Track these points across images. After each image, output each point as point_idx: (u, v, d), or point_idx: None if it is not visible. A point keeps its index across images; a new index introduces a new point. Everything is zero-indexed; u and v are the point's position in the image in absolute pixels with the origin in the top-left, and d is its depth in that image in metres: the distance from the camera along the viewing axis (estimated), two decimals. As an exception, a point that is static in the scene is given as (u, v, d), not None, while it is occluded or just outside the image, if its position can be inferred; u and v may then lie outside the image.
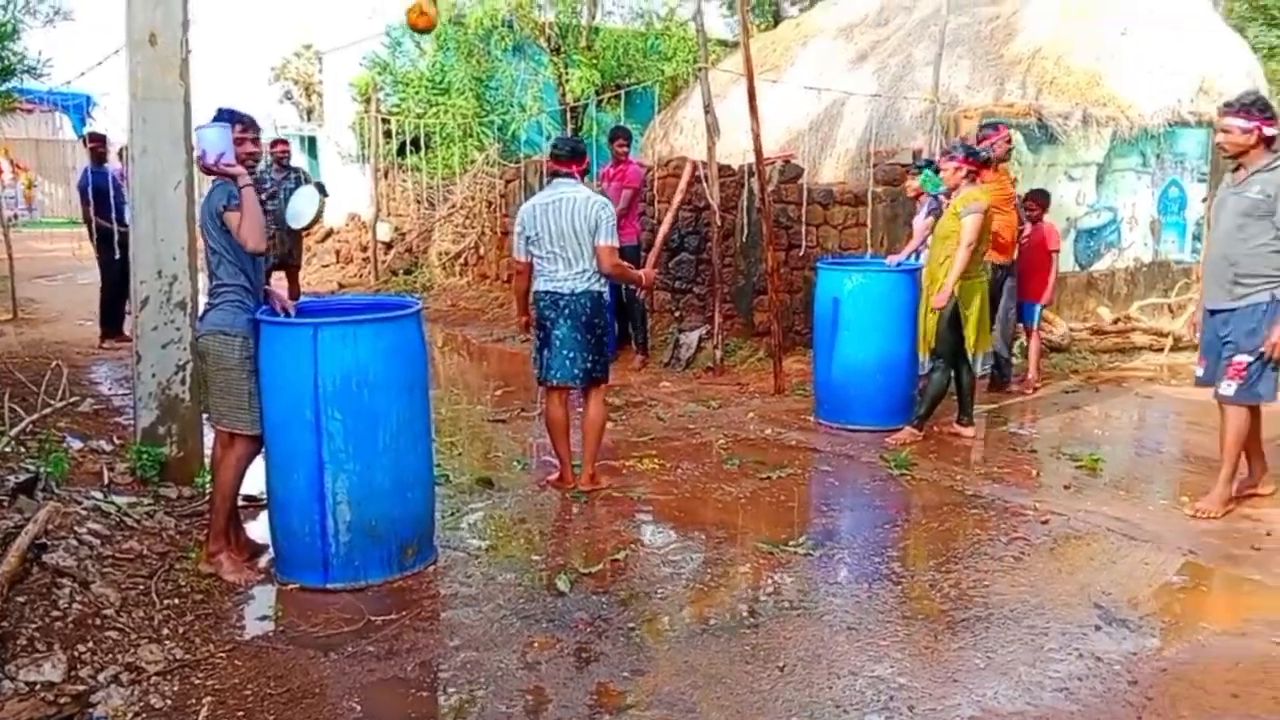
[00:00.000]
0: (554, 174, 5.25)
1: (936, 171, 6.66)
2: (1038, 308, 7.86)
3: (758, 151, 7.60)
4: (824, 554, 4.45)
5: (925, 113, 9.37)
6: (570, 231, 5.03)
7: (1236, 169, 4.80)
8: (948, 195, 6.35)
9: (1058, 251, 7.95)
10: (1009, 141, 7.45)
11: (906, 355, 6.37)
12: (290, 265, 9.49)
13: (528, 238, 5.15)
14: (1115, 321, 9.57)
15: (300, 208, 8.38)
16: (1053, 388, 7.78)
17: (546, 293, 5.14)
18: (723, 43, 16.78)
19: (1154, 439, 6.62)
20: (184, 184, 4.94)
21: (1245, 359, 4.71)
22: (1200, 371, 5.02)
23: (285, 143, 9.89)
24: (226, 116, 4.12)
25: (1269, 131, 4.65)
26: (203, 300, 4.39)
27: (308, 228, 9.22)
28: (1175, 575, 4.29)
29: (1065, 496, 5.20)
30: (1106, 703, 3.19)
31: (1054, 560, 4.40)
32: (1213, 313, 4.87)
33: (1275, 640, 3.59)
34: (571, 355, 5.11)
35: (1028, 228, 7.61)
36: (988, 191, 6.15)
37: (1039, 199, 7.97)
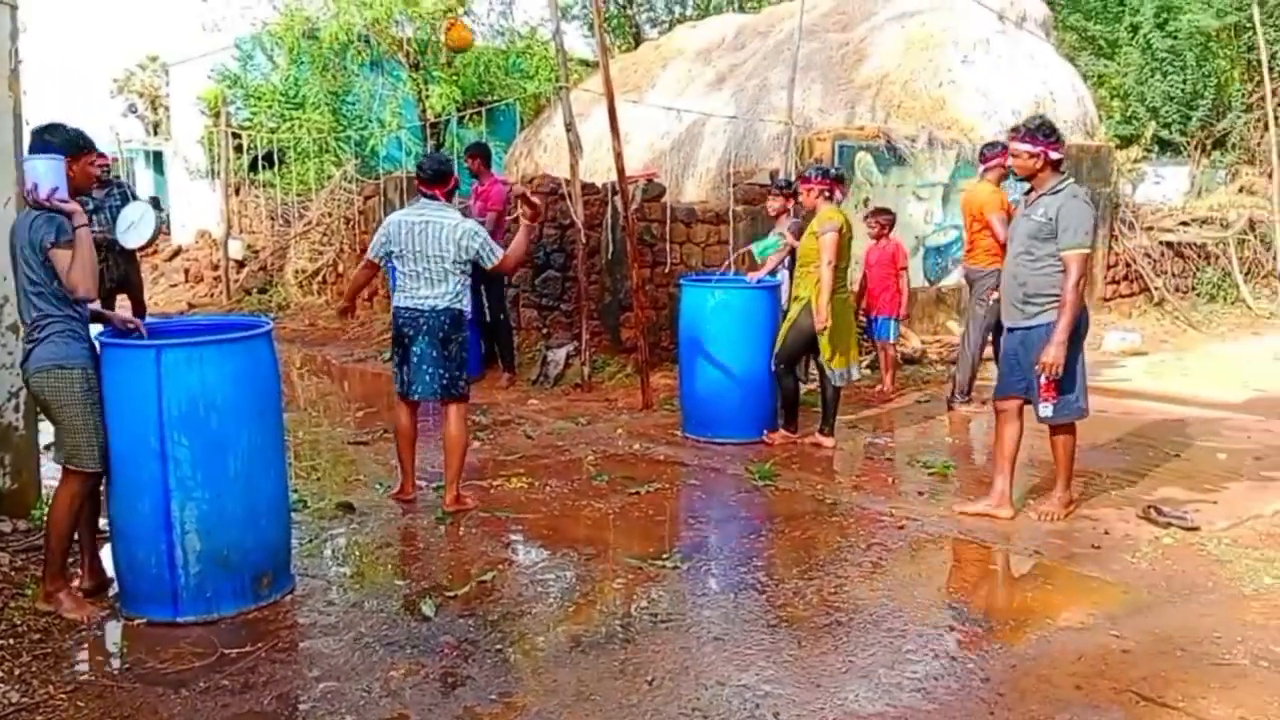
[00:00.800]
0: (420, 194, 5.20)
1: (795, 195, 6.94)
2: (890, 322, 8.15)
3: (620, 170, 7.67)
4: (692, 566, 4.49)
5: (781, 134, 9.65)
6: (435, 255, 4.99)
7: (1028, 192, 4.97)
8: (795, 238, 6.75)
9: (905, 268, 8.28)
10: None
11: (767, 369, 6.51)
12: (131, 286, 8.83)
13: (389, 250, 5.09)
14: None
15: (135, 225, 7.99)
16: (907, 399, 8.08)
17: (406, 309, 5.09)
18: (584, 62, 16.88)
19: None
20: (14, 201, 4.64)
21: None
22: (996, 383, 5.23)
23: (103, 155, 9.31)
24: (62, 144, 3.82)
25: (1054, 155, 4.78)
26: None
27: (144, 247, 8.79)
28: (1023, 575, 4.51)
29: (920, 502, 5.40)
30: (961, 700, 3.31)
31: (911, 564, 4.56)
32: (1010, 330, 5.02)
33: (1114, 633, 3.80)
34: (431, 371, 5.07)
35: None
36: (841, 211, 6.37)
37: (882, 217, 8.34)
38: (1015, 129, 4.95)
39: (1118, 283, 12.07)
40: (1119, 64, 17.30)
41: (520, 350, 9.08)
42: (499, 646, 3.69)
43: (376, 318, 11.47)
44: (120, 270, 8.47)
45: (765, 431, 6.60)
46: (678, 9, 21.15)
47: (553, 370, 8.70)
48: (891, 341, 8.27)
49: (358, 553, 4.74)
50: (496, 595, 4.17)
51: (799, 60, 9.60)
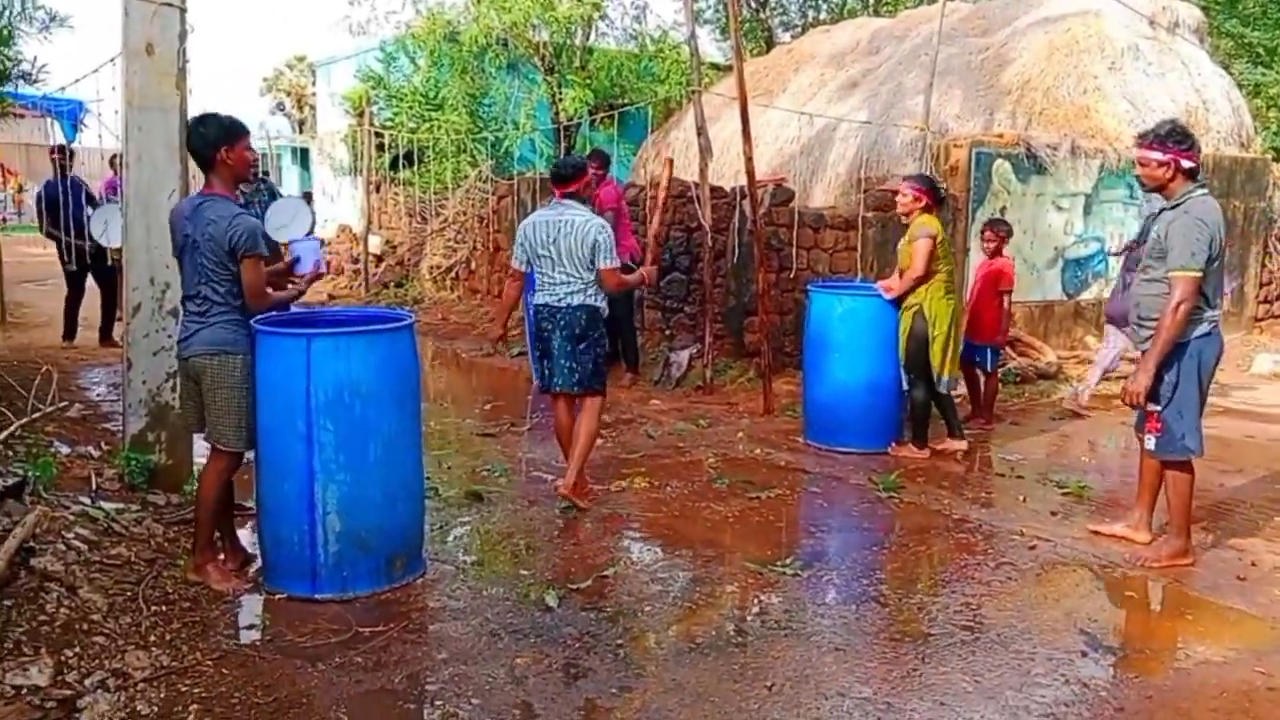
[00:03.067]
0: (554, 194, 5.37)
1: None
2: (988, 349, 7.23)
3: (750, 174, 7.66)
4: (812, 575, 4.46)
5: (915, 140, 9.47)
6: (568, 250, 5.15)
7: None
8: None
9: (1009, 291, 7.22)
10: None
11: (894, 378, 6.41)
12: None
13: (528, 251, 5.26)
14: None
15: (288, 224, 8.33)
16: (1040, 415, 7.82)
17: (545, 305, 5.26)
18: (715, 66, 16.89)
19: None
20: (178, 193, 4.93)
21: (1155, 408, 4.47)
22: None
23: (253, 151, 9.58)
24: (218, 132, 4.05)
25: (1186, 163, 4.36)
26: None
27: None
28: (1161, 603, 4.32)
29: (1052, 523, 5.23)
30: (1092, 727, 3.21)
31: (1041, 586, 4.42)
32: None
33: (1259, 669, 3.61)
34: (569, 365, 5.24)
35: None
36: (938, 219, 6.26)
37: (999, 229, 7.34)
38: (1143, 135, 4.51)
39: (1270, 302, 11.44)
40: (1278, 72, 16.35)
41: (643, 350, 9.16)
42: (619, 641, 3.74)
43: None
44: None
45: (891, 443, 6.49)
46: (811, 13, 20.98)
47: (675, 371, 8.75)
48: (990, 371, 7.36)
49: (484, 541, 4.87)
50: (617, 591, 4.23)
51: (936, 65, 9.40)
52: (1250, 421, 7.66)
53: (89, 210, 9.31)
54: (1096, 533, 4.98)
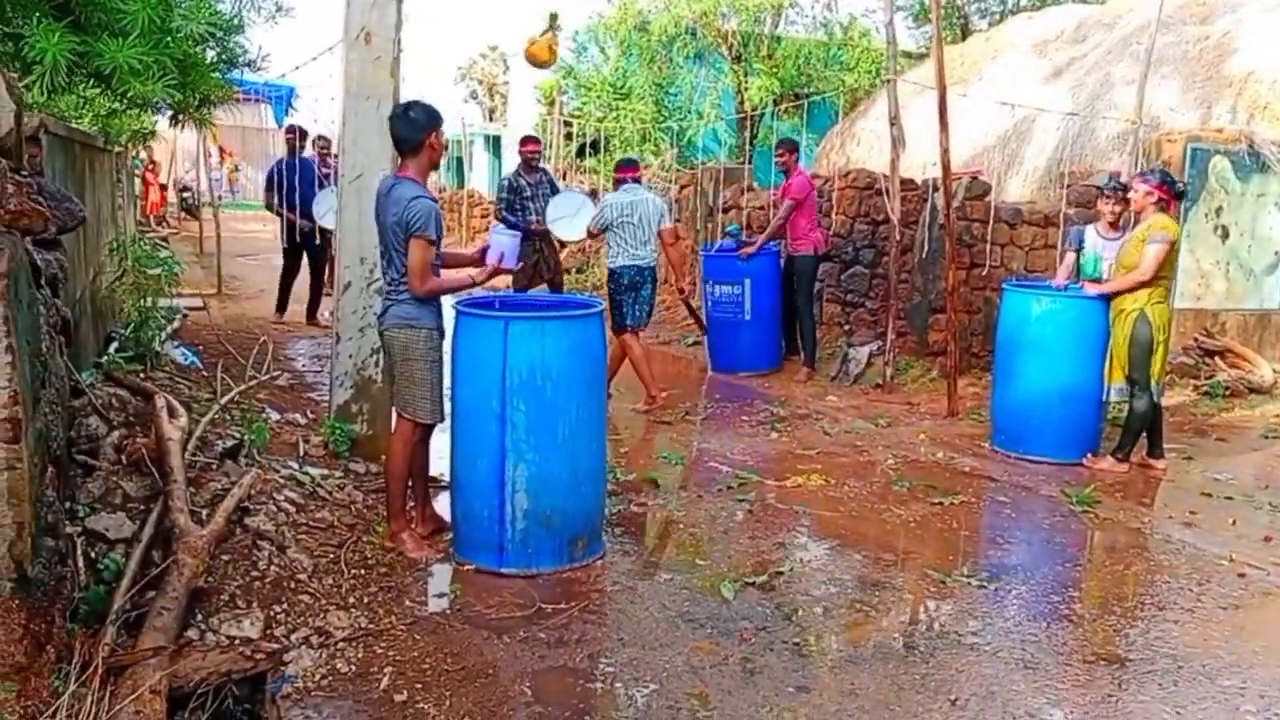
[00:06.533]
0: (622, 180, 7.28)
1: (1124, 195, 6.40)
2: None
3: (945, 166, 7.40)
4: (998, 587, 4.29)
5: (1124, 134, 8.94)
6: (647, 221, 7.05)
7: None
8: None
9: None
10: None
11: (1094, 385, 6.08)
12: (555, 274, 8.90)
13: (607, 225, 7.09)
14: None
15: (570, 214, 8.59)
16: (1250, 432, 7.27)
17: (632, 265, 7.07)
18: (907, 54, 16.41)
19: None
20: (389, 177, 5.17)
21: None
22: None
23: (536, 141, 9.27)
24: (428, 118, 4.18)
25: None
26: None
27: (577, 242, 9.42)
28: (1393, 646, 3.94)
29: (1265, 549, 4.85)
30: (1313, 776, 2.96)
31: (1250, 616, 4.11)
32: None
33: None
34: (647, 308, 7.26)
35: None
36: (1175, 221, 5.85)
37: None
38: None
39: None
40: None
41: (820, 345, 9.03)
42: (796, 640, 3.70)
43: (680, 304, 11.80)
44: (543, 256, 8.56)
45: (1087, 454, 6.16)
46: (1010, 0, 20.08)
47: (854, 368, 8.59)
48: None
49: (660, 528, 4.91)
50: (793, 588, 4.19)
51: (1151, 54, 8.82)
52: None
53: (316, 191, 9.70)
54: None
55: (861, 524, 5.05)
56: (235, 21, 5.71)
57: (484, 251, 4.42)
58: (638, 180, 7.37)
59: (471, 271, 4.45)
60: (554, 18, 12.85)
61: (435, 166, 4.47)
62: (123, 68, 4.45)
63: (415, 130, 4.18)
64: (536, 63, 12.94)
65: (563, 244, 8.78)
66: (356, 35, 5.13)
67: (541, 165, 9.15)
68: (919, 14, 18.33)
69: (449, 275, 4.40)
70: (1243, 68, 9.94)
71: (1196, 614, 4.08)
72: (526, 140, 9.15)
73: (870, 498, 5.46)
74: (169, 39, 4.74)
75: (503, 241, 4.38)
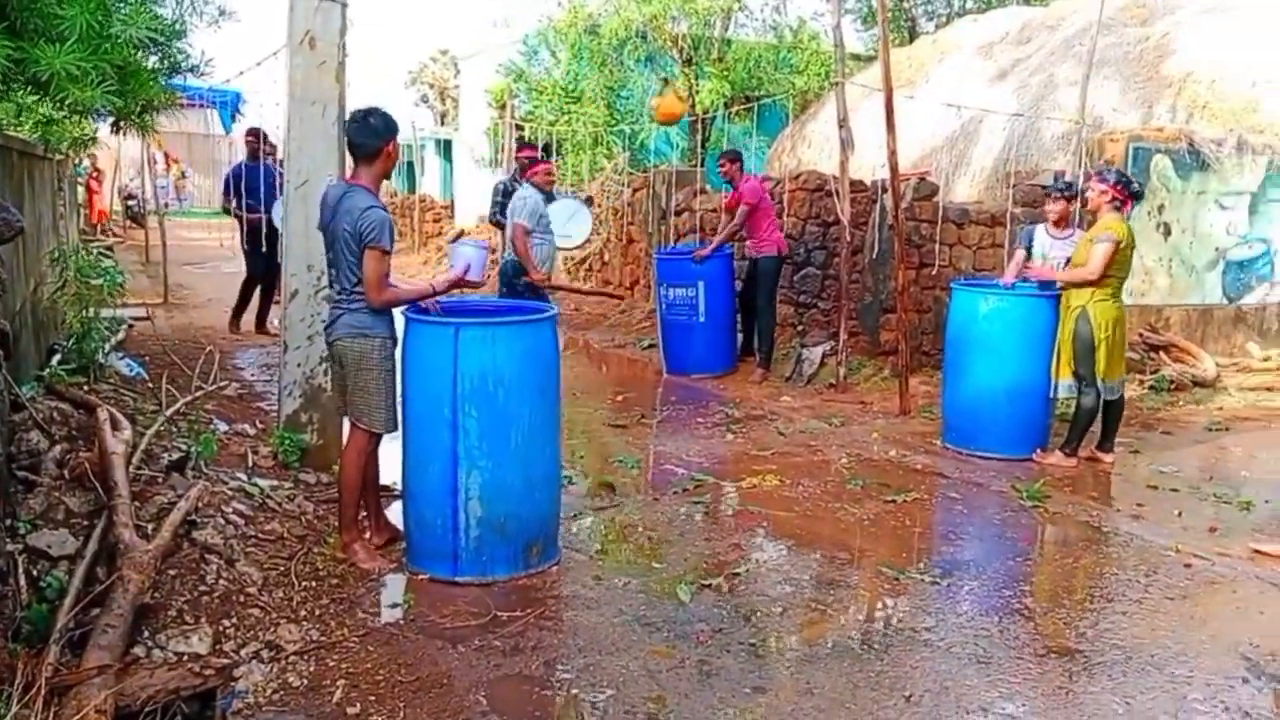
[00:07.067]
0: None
1: (1074, 199, 6.58)
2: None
3: (893, 168, 7.47)
4: (951, 583, 4.33)
5: (1068, 134, 9.09)
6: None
7: None
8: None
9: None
10: None
11: (1041, 381, 6.17)
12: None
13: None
14: (1266, 359, 9.09)
15: (563, 221, 8.59)
16: (1195, 425, 7.42)
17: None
18: (856, 57, 16.57)
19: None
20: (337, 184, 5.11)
21: None
22: None
23: (533, 147, 9.30)
24: (385, 126, 4.13)
25: None
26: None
27: (580, 246, 9.38)
28: (1332, 631, 4.04)
29: (1210, 539, 4.95)
30: (1257, 761, 3.02)
31: (1197, 606, 4.19)
32: None
33: None
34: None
35: None
36: (1126, 224, 5.96)
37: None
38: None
39: None
40: None
41: (774, 346, 9.08)
42: (752, 641, 3.71)
43: (636, 306, 11.82)
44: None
45: (1036, 450, 6.26)
46: (957, 2, 20.36)
47: (807, 368, 8.65)
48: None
49: (617, 532, 4.90)
50: (749, 589, 4.20)
51: (1093, 55, 8.98)
52: None
53: (279, 194, 9.48)
54: (1260, 552, 4.69)
55: (816, 523, 5.08)
56: (177, 27, 5.63)
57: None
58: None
59: (434, 280, 4.42)
60: (666, 82, 14.11)
61: (388, 175, 4.42)
62: (59, 74, 4.35)
63: (373, 137, 4.13)
64: (673, 118, 13.41)
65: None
66: (301, 40, 5.06)
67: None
68: (867, 17, 18.52)
69: (407, 286, 4.36)
70: (1181, 68, 10.17)
71: (1144, 605, 4.15)
72: (523, 146, 9.25)
73: (825, 497, 5.50)
74: (108, 45, 4.64)
75: (467, 253, 4.33)
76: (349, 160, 4.51)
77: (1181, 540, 4.89)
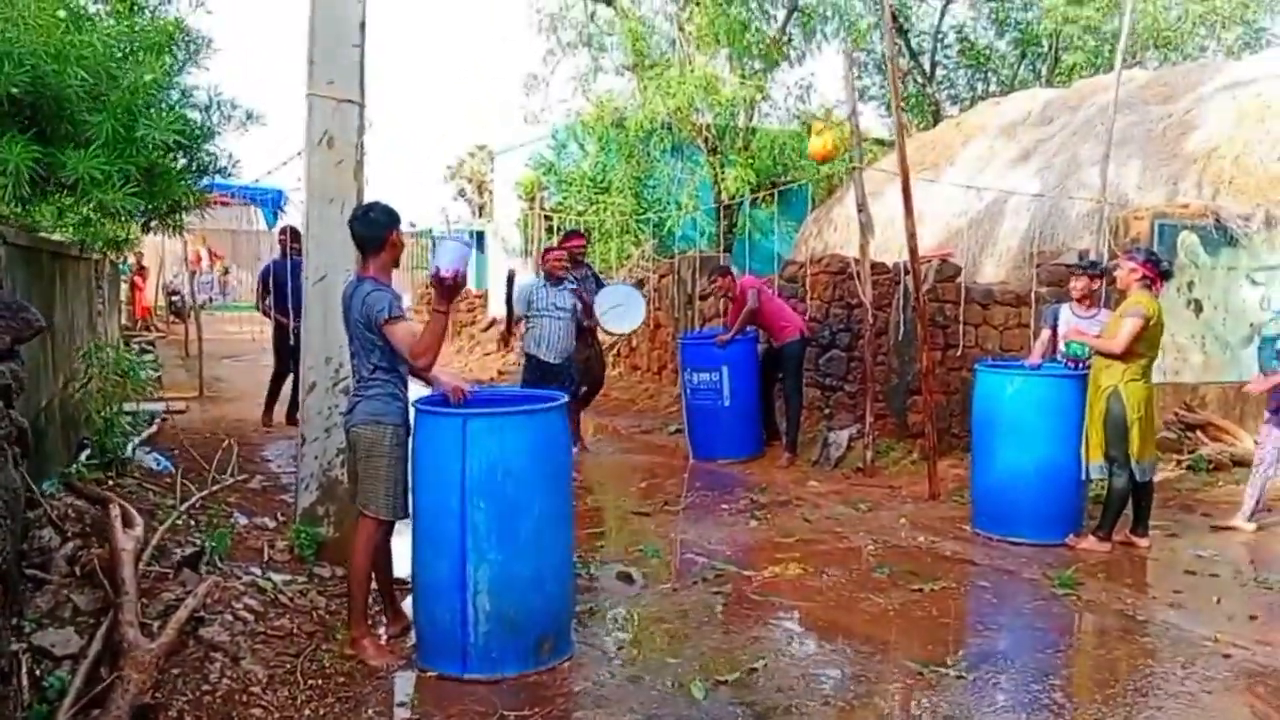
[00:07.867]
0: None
1: (1101, 277, 6.54)
2: None
3: (912, 250, 7.47)
4: (979, 677, 4.17)
5: (1092, 213, 9.05)
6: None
7: None
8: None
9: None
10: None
11: (1072, 463, 6.03)
12: (594, 373, 9.19)
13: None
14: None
15: (621, 309, 8.82)
16: (1237, 506, 7.17)
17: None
18: (880, 141, 16.76)
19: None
20: (353, 275, 5.18)
21: None
22: None
23: (580, 235, 9.52)
24: (387, 217, 4.18)
25: None
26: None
27: (635, 331, 9.70)
28: (1384, 726, 3.83)
29: (1250, 628, 4.75)
30: None
31: (1237, 698, 4.00)
32: None
33: None
34: None
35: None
36: (1156, 301, 5.88)
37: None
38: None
39: None
40: None
41: (802, 430, 8.99)
42: (768, 740, 3.58)
43: (664, 390, 11.81)
44: (595, 352, 8.87)
45: (1069, 535, 6.08)
46: (980, 85, 20.58)
47: (834, 452, 8.53)
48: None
49: (633, 625, 4.79)
50: (767, 685, 4.07)
51: (1114, 134, 8.99)
52: None
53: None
54: None
55: (840, 614, 4.94)
56: (205, 129, 5.82)
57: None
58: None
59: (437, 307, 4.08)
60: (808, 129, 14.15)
61: (396, 264, 4.47)
62: (84, 178, 4.51)
63: (376, 229, 4.21)
64: (828, 158, 13.68)
65: (588, 336, 8.82)
66: (319, 140, 5.19)
67: (584, 259, 9.29)
68: (889, 103, 18.73)
69: (425, 327, 4.09)
70: (1205, 144, 10.14)
71: (1180, 699, 3.97)
72: (571, 235, 9.44)
73: (849, 586, 5.36)
74: (133, 148, 4.81)
75: (449, 247, 4.06)
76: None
77: (1221, 629, 4.69)
